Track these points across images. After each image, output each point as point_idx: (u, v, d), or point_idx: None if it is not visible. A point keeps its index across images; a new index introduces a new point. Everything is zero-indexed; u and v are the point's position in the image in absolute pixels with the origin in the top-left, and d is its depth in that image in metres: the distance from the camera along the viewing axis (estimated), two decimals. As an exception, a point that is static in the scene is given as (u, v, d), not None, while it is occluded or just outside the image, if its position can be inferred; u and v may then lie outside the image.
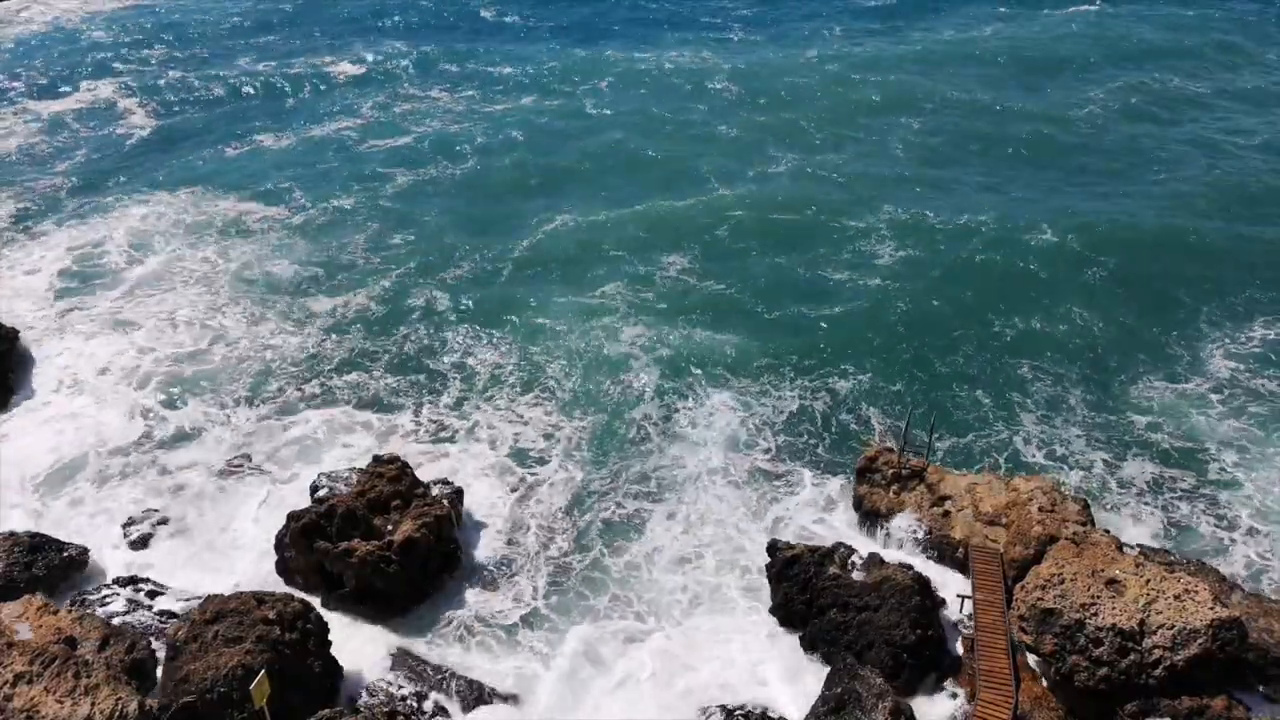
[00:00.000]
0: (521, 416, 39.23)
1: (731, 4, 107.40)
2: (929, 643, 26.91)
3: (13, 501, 33.91)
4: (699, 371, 41.99)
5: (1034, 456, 36.73)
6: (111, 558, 31.59)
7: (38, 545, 29.86)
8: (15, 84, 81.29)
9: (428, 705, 26.06)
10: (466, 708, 26.26)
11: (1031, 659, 26.61)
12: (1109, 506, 34.26)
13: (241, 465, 36.01)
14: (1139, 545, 31.04)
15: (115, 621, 27.32)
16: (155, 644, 26.33)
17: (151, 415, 38.94)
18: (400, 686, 26.64)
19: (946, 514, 31.69)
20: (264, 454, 36.77)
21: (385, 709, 24.42)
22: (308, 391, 40.61)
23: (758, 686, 27.12)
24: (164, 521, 32.91)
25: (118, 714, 21.81)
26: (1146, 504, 34.38)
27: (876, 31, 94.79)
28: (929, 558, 30.98)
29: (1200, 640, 24.34)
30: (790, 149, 65.90)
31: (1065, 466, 36.21)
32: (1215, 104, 72.45)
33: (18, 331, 42.76)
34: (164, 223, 55.66)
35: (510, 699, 26.81)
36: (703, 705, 26.06)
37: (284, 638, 24.81)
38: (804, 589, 28.38)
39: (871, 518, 32.84)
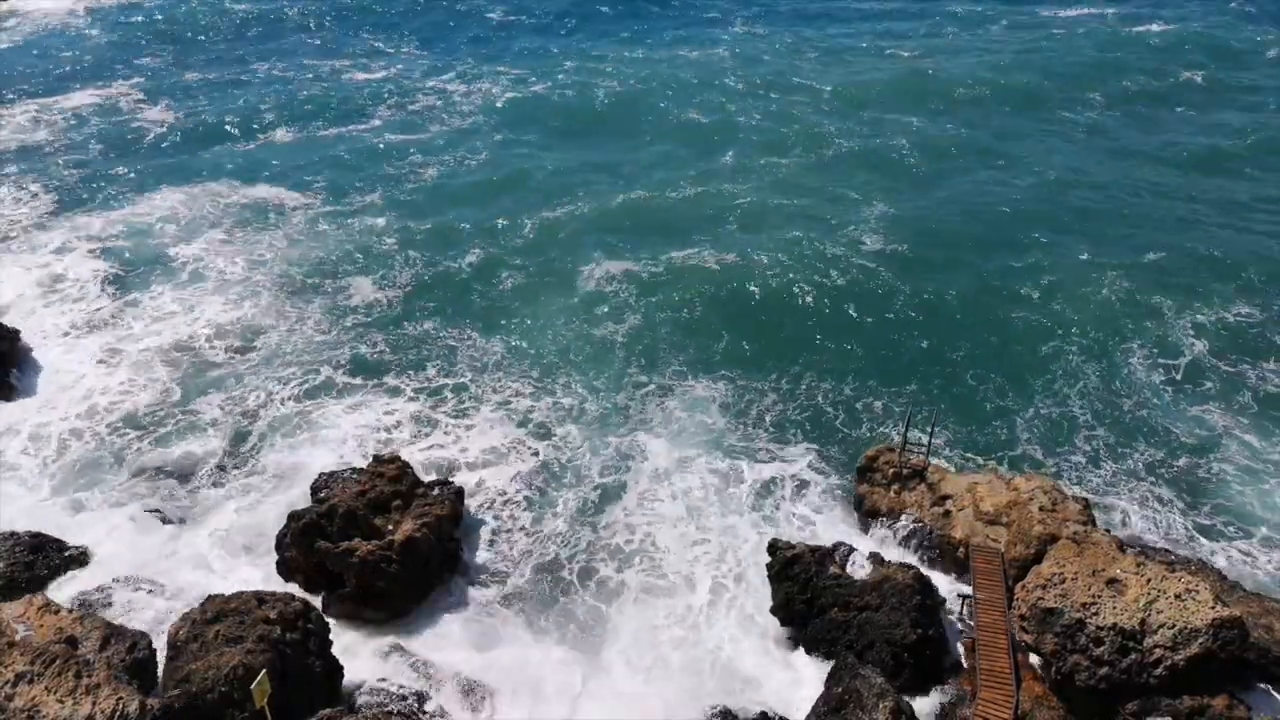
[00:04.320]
0: (523, 411, 39.32)
1: (735, 3, 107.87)
2: (930, 642, 26.89)
3: (14, 500, 33.89)
4: (701, 366, 42.15)
5: (1035, 455, 36.72)
6: (113, 557, 31.53)
7: (39, 545, 29.86)
8: (27, 81, 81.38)
9: (429, 705, 26.04)
10: (467, 707, 26.24)
11: (1033, 658, 26.61)
12: (1110, 505, 34.26)
13: (244, 463, 36.00)
14: (1140, 544, 31.04)
15: (116, 621, 27.29)
16: (156, 643, 26.31)
17: (156, 413, 38.92)
18: (401, 686, 26.60)
19: (947, 513, 31.68)
20: (266, 452, 36.74)
21: (385, 709, 24.42)
22: (312, 389, 40.58)
23: (758, 686, 27.12)
24: (165, 521, 32.91)
25: (119, 713, 21.79)
26: (1148, 503, 34.36)
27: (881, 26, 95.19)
28: (930, 557, 30.98)
29: (1201, 639, 24.32)
30: (796, 140, 66.45)
31: (1066, 465, 36.22)
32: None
33: (18, 332, 42.79)
34: (180, 217, 56.00)
35: (512, 698, 26.77)
36: (703, 705, 26.04)
37: (285, 637, 24.80)
38: (804, 588, 28.35)
39: (872, 517, 32.86)
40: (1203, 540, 32.51)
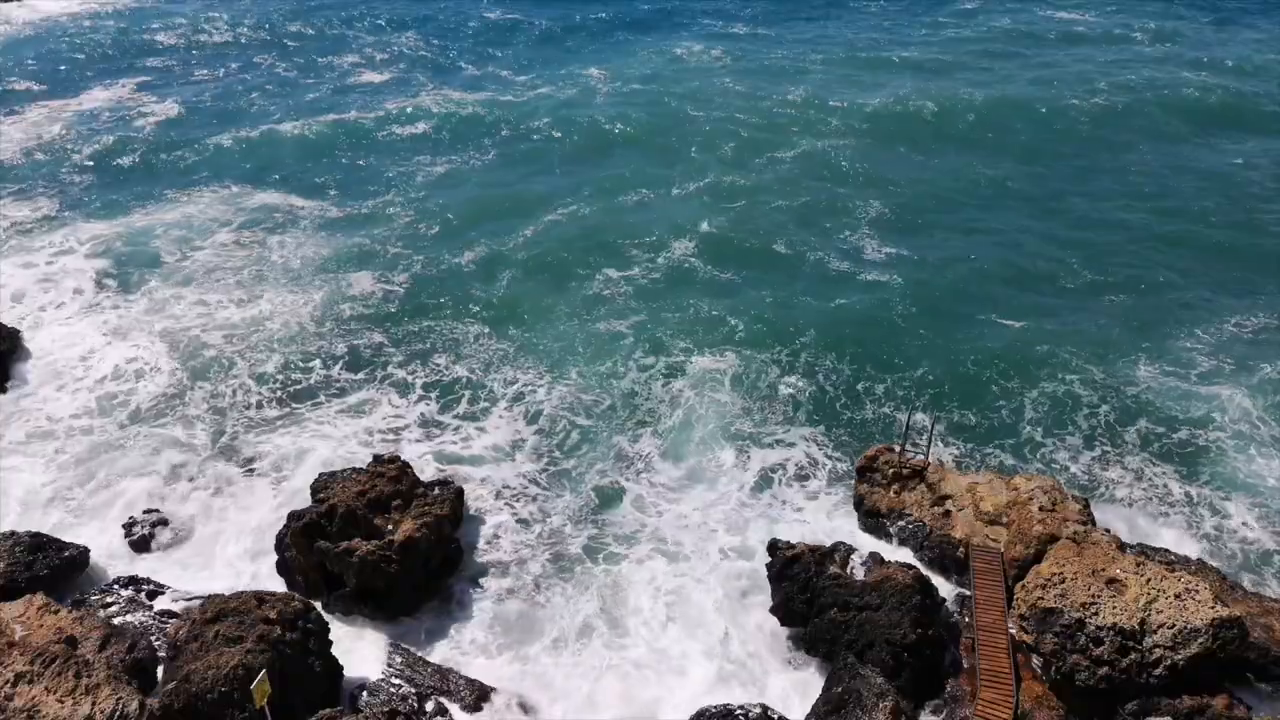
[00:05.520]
0: (526, 408, 39.35)
1: (737, 5, 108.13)
2: (929, 642, 26.87)
3: (14, 500, 33.92)
4: (702, 364, 42.18)
5: (1035, 454, 36.72)
6: (112, 557, 31.59)
7: (39, 545, 29.86)
8: (31, 82, 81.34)
9: (428, 705, 26.06)
10: (467, 707, 26.26)
11: (1033, 658, 26.60)
12: (1110, 503, 34.29)
13: (244, 464, 36.03)
14: (1140, 544, 31.03)
15: (116, 621, 27.36)
16: (156, 644, 26.35)
17: (158, 413, 38.92)
18: (400, 686, 26.66)
19: (947, 513, 31.67)
20: (266, 452, 36.72)
21: (385, 709, 24.41)
22: (313, 389, 40.60)
23: (758, 686, 27.13)
24: (164, 521, 32.91)
25: (118, 713, 21.82)
26: (1148, 502, 34.38)
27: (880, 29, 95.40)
28: (930, 557, 30.97)
29: (1201, 639, 24.33)
30: (798, 140, 66.76)
31: (1066, 465, 36.21)
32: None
33: (19, 331, 42.81)
34: (184, 218, 55.98)
35: (511, 698, 26.80)
36: (703, 704, 26.04)
37: (284, 637, 24.82)
38: (804, 588, 28.35)
39: (872, 517, 32.86)
40: (1203, 540, 32.50)
